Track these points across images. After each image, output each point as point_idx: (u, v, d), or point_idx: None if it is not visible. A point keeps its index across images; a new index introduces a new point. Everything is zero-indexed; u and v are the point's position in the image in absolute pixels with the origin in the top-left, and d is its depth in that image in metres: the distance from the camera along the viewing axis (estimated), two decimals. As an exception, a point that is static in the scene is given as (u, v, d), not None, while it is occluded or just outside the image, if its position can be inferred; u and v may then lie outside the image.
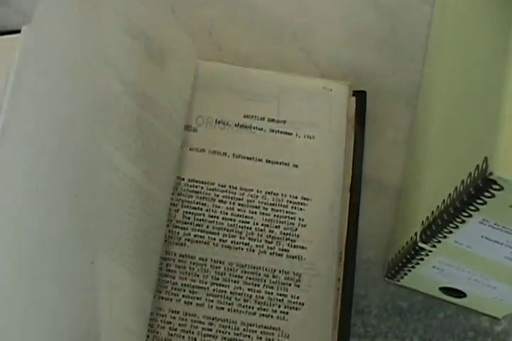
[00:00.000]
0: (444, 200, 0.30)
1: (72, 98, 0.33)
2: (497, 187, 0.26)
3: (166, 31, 0.38)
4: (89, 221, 0.32)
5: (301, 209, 0.38)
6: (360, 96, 0.43)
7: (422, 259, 0.35)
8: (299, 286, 0.37)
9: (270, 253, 0.37)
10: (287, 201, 0.38)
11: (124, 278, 0.33)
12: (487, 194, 0.26)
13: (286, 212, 0.38)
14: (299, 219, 0.38)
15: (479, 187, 0.26)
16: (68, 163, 0.32)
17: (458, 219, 0.29)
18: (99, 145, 0.33)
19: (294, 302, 0.37)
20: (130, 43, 0.36)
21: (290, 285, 0.37)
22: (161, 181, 0.36)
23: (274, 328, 0.36)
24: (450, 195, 0.30)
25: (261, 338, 0.36)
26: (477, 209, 0.28)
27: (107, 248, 0.33)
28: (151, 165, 0.36)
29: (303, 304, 0.37)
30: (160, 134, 0.37)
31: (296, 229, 0.38)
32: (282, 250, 0.38)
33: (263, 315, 0.36)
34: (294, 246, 0.38)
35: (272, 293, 0.37)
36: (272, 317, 0.36)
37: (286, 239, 0.38)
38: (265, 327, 0.36)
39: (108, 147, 0.34)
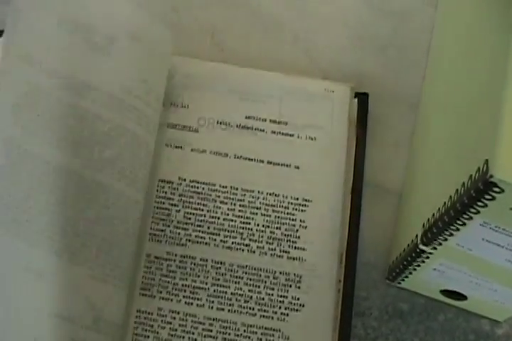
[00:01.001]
0: (445, 202, 0.30)
1: None
2: (497, 189, 0.26)
3: (119, 20, 0.37)
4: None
5: (302, 210, 0.38)
6: (362, 98, 0.43)
7: (422, 262, 0.34)
8: (299, 288, 0.37)
9: (271, 255, 0.37)
10: (288, 202, 0.38)
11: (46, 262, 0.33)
12: (488, 196, 0.26)
13: (287, 213, 0.38)
14: (300, 220, 0.38)
15: (480, 190, 0.26)
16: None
17: (459, 222, 0.29)
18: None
19: (294, 304, 0.37)
20: (63, 38, 0.35)
21: (291, 286, 0.37)
22: (114, 170, 0.35)
23: (274, 329, 0.36)
24: (451, 197, 0.30)
25: (261, 339, 0.36)
26: (478, 212, 0.28)
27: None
28: (95, 154, 0.35)
29: (303, 305, 0.36)
30: (108, 122, 0.35)
31: (297, 231, 0.38)
32: (283, 251, 0.38)
33: (263, 316, 0.36)
34: (295, 248, 0.38)
35: (272, 295, 0.37)
36: (272, 318, 0.36)
37: (287, 241, 0.38)
38: (265, 328, 0.36)
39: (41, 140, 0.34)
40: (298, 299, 0.37)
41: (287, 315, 0.36)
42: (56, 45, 0.35)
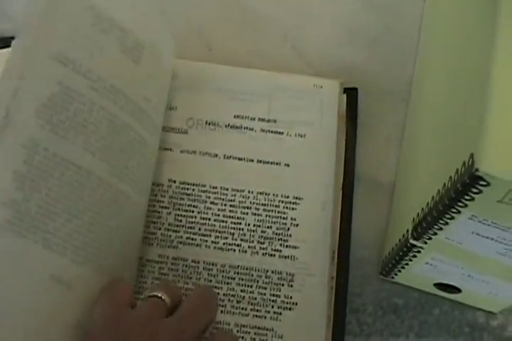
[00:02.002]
0: (433, 197, 0.30)
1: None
2: (484, 183, 0.26)
3: (146, 26, 0.37)
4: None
5: (292, 208, 0.38)
6: (351, 93, 0.43)
7: (414, 256, 0.34)
8: (292, 286, 0.37)
9: (263, 254, 0.37)
10: (279, 201, 0.38)
11: (73, 272, 0.31)
12: (474, 190, 0.26)
13: (278, 212, 0.38)
14: (291, 218, 0.38)
15: (466, 184, 0.26)
16: None
17: (447, 216, 0.29)
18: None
19: (287, 303, 0.37)
20: (97, 37, 0.34)
21: (283, 285, 0.37)
22: (134, 180, 0.35)
23: (267, 329, 0.36)
24: (439, 191, 0.30)
25: (254, 339, 0.36)
26: (465, 206, 0.28)
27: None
28: (121, 162, 0.34)
29: (296, 304, 0.36)
30: (132, 131, 0.35)
31: (288, 229, 0.38)
32: (275, 250, 0.38)
33: (256, 316, 0.36)
34: (287, 246, 0.38)
35: (265, 294, 0.37)
36: (265, 317, 0.36)
37: (279, 239, 0.38)
38: (259, 327, 0.36)
39: (72, 144, 0.32)
40: (291, 298, 0.37)
41: (280, 314, 0.36)
42: (91, 44, 0.33)
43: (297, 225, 0.38)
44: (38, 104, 0.31)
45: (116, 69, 0.34)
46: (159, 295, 0.29)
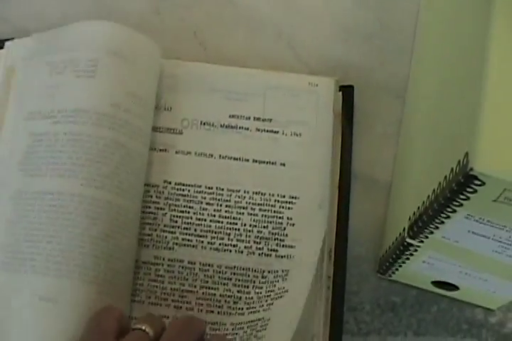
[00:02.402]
0: (428, 196, 0.30)
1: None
2: (479, 182, 0.26)
3: (95, 44, 0.38)
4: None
5: (289, 208, 0.38)
6: (347, 91, 0.42)
7: (411, 255, 0.34)
8: (286, 280, 0.36)
9: (259, 254, 0.37)
10: (275, 200, 0.38)
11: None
12: (469, 189, 0.26)
13: (274, 211, 0.38)
14: (287, 218, 0.38)
15: (461, 183, 0.26)
16: None
17: (443, 215, 0.29)
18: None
19: (279, 293, 0.36)
20: (54, 82, 0.37)
21: (278, 281, 0.36)
22: (131, 192, 0.36)
23: (259, 319, 0.36)
24: (434, 190, 0.29)
25: (246, 332, 0.35)
26: (461, 205, 0.28)
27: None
28: (92, 171, 0.35)
29: (287, 291, 0.36)
30: (102, 140, 0.36)
31: (284, 229, 0.38)
32: (271, 250, 0.37)
33: (252, 312, 0.36)
34: (283, 246, 0.37)
35: (261, 293, 0.36)
36: (258, 311, 0.36)
37: (275, 239, 0.38)
38: (252, 321, 0.36)
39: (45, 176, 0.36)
40: (283, 288, 0.36)
41: (272, 304, 0.36)
42: (50, 90, 0.37)
43: (293, 225, 0.38)
44: (19, 159, 0.36)
45: (74, 94, 0.37)
46: (143, 328, 0.30)
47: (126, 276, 0.36)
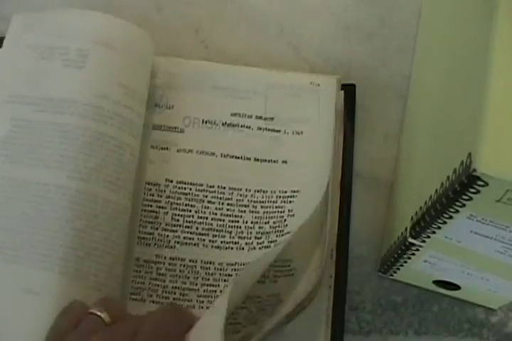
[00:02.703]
0: (431, 196, 0.30)
1: None
2: (482, 183, 0.25)
3: (89, 33, 0.37)
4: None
5: (290, 201, 0.38)
6: (349, 89, 0.42)
7: (413, 254, 0.34)
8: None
9: (259, 248, 0.37)
10: (277, 196, 0.38)
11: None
12: (472, 190, 0.26)
13: (276, 207, 0.38)
14: (288, 210, 0.38)
15: (464, 184, 0.26)
16: None
17: (445, 215, 0.29)
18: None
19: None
20: (39, 67, 0.37)
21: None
22: (120, 185, 0.36)
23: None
24: (437, 190, 0.29)
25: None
26: (464, 205, 0.28)
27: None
28: (79, 164, 0.35)
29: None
30: (88, 131, 0.35)
31: (285, 220, 0.37)
32: (271, 242, 0.37)
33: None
34: (283, 236, 0.37)
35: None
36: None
37: (275, 232, 0.37)
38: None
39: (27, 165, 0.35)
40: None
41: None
42: (35, 75, 0.37)
43: (293, 215, 0.37)
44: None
45: (61, 84, 0.36)
46: (98, 313, 0.30)
47: (115, 270, 0.35)
